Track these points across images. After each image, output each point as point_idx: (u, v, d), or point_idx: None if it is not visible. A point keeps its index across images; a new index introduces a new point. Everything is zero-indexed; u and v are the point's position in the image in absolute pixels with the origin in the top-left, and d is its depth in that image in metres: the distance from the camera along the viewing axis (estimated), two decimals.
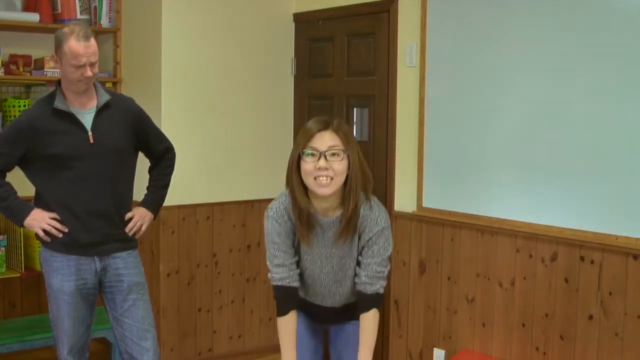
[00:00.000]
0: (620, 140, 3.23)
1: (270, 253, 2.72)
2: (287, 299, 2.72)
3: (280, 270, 2.70)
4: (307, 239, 2.68)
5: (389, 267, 2.75)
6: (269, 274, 2.74)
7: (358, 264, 2.73)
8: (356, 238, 2.71)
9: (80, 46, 3.08)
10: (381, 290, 2.73)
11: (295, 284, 2.72)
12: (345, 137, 2.60)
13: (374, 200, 2.73)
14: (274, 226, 2.69)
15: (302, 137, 2.62)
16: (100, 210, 3.23)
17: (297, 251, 2.75)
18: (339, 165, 2.57)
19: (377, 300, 2.72)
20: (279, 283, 2.71)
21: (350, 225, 2.65)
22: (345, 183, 2.61)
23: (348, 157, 2.59)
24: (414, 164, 4.08)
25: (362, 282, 2.70)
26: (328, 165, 2.55)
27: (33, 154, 3.17)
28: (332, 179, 2.56)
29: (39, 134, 3.14)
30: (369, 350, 2.72)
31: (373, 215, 2.68)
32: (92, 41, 3.13)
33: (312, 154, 2.57)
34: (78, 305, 3.25)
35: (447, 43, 3.89)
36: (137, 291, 3.33)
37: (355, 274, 2.73)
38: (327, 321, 2.93)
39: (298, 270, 2.73)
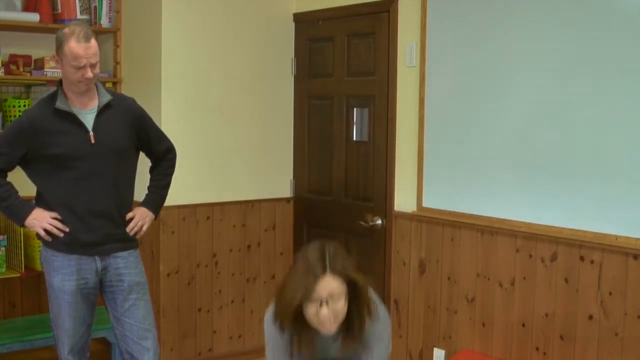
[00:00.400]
0: (621, 140, 3.23)
1: (268, 357, 2.71)
2: None
3: None
4: (304, 350, 2.65)
5: None
6: None
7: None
8: (358, 347, 2.69)
9: (80, 47, 3.08)
10: None
11: None
12: (343, 272, 2.55)
13: (376, 304, 2.68)
14: (273, 332, 2.66)
15: (301, 280, 2.54)
16: (101, 210, 3.23)
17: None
18: (341, 307, 2.55)
19: None
20: None
21: (354, 345, 2.65)
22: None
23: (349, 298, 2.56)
24: (414, 164, 4.08)
25: None
26: (332, 310, 2.52)
27: (34, 154, 3.17)
28: (334, 321, 2.55)
29: (40, 134, 3.15)
30: None
31: (377, 330, 2.66)
32: (93, 42, 3.13)
33: (315, 300, 2.53)
34: (79, 305, 3.25)
35: (447, 43, 3.89)
36: (137, 291, 3.33)
37: None
38: None
39: None
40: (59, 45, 3.13)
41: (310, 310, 2.54)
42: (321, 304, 2.51)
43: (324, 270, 2.53)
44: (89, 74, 3.11)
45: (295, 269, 2.62)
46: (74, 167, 3.17)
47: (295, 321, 2.58)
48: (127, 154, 3.34)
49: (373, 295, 2.70)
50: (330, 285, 2.52)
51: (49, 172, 3.19)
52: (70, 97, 3.21)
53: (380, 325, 2.68)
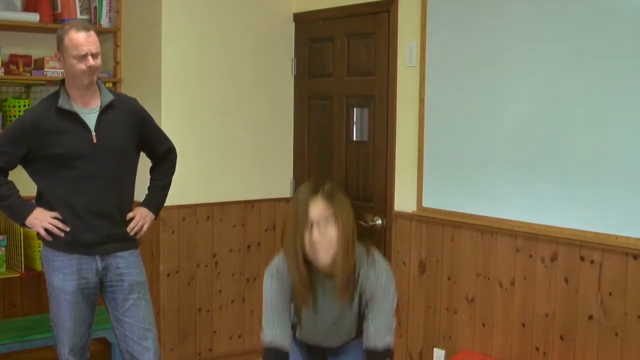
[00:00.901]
0: (621, 140, 3.23)
1: (265, 312, 2.71)
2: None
3: (272, 333, 2.68)
4: (306, 301, 2.69)
5: (395, 321, 2.73)
6: (261, 335, 2.73)
7: (363, 318, 2.71)
8: (357, 294, 2.70)
9: (80, 36, 3.12)
10: (392, 345, 2.68)
11: (286, 348, 2.69)
12: (337, 203, 2.62)
13: (376, 255, 2.72)
14: (273, 284, 2.68)
15: (297, 210, 2.62)
16: (102, 210, 3.23)
17: (297, 309, 2.77)
18: (333, 232, 2.58)
19: (388, 355, 2.68)
20: (270, 345, 2.68)
21: (349, 286, 2.66)
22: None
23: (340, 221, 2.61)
24: (414, 164, 4.08)
25: (371, 339, 2.65)
26: (321, 233, 2.56)
27: (35, 153, 3.18)
28: (327, 247, 2.58)
29: (41, 133, 3.15)
30: None
31: (373, 274, 2.66)
32: (93, 33, 3.18)
33: (307, 225, 2.58)
34: (79, 304, 3.25)
35: (447, 43, 3.89)
36: (138, 291, 3.33)
37: (363, 331, 2.69)
38: (326, 355, 2.96)
39: (291, 332, 2.73)
40: (60, 41, 3.16)
41: (306, 239, 2.58)
42: (312, 227, 2.56)
43: (314, 195, 2.61)
44: (91, 62, 3.12)
45: (291, 204, 2.70)
46: (75, 167, 3.17)
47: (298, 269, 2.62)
48: (129, 154, 3.34)
49: (374, 250, 2.73)
50: (320, 208, 2.59)
51: (50, 172, 3.19)
52: (72, 96, 3.21)
53: (383, 274, 2.68)
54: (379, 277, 2.66)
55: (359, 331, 2.77)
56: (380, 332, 2.65)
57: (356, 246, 2.65)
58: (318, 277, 2.68)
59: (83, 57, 3.11)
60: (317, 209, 2.59)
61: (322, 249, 2.57)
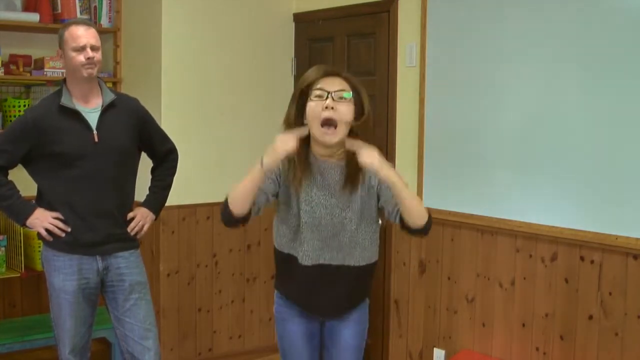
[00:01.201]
0: (621, 140, 3.24)
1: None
2: (228, 219, 2.55)
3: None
4: (299, 181, 2.56)
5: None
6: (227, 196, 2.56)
7: (385, 211, 2.60)
8: (358, 188, 2.61)
9: (80, 29, 3.15)
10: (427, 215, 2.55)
11: (241, 215, 2.53)
12: (354, 84, 2.53)
13: None
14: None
15: (306, 79, 2.52)
16: (104, 210, 3.23)
17: (294, 204, 2.63)
18: (346, 109, 2.47)
19: (429, 218, 2.58)
20: (229, 207, 2.52)
21: (357, 172, 2.56)
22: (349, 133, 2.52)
23: (357, 104, 2.50)
24: (414, 164, 4.08)
25: (410, 218, 2.53)
26: (335, 106, 2.44)
27: (37, 151, 3.17)
28: (335, 127, 2.47)
29: (43, 131, 3.15)
30: (407, 190, 2.50)
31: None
32: (92, 29, 3.20)
33: (319, 95, 2.48)
34: (80, 304, 3.25)
35: (447, 43, 3.89)
36: (139, 290, 3.33)
37: (397, 218, 2.58)
38: (323, 302, 2.78)
39: (251, 209, 2.56)
40: (61, 36, 3.18)
41: (315, 106, 2.46)
42: (326, 98, 2.44)
43: (334, 72, 2.51)
44: (90, 53, 3.12)
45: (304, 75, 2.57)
46: (77, 166, 3.17)
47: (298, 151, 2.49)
48: (130, 154, 3.34)
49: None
50: (340, 84, 2.47)
51: (51, 171, 3.19)
52: (74, 95, 3.21)
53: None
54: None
55: (362, 254, 2.67)
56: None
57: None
58: (317, 163, 2.57)
59: (82, 49, 3.12)
60: (337, 83, 2.48)
61: (332, 121, 2.44)
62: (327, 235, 2.65)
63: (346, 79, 2.54)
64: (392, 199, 2.56)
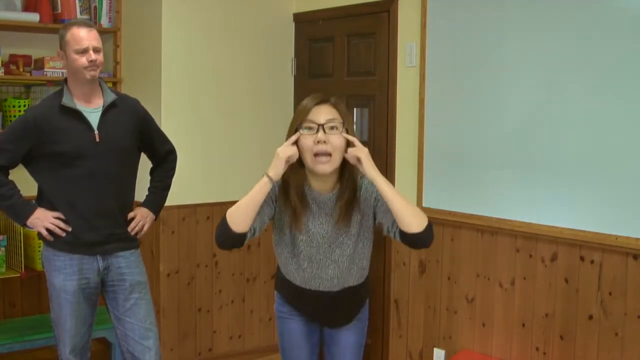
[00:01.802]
0: (621, 140, 3.24)
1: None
2: (225, 238, 2.52)
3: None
4: (300, 221, 2.60)
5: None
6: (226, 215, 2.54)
7: (384, 228, 2.61)
8: (352, 215, 2.63)
9: (82, 31, 3.16)
10: (426, 223, 2.51)
11: (241, 233, 2.50)
12: (343, 112, 2.57)
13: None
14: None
15: (299, 113, 2.57)
16: (105, 209, 3.23)
17: (292, 238, 2.66)
18: (338, 140, 2.51)
19: (429, 226, 2.53)
20: (228, 224, 2.49)
21: (352, 202, 2.59)
22: (342, 164, 2.57)
23: (347, 131, 2.55)
24: (414, 164, 4.08)
25: (407, 227, 2.50)
26: (326, 139, 2.49)
27: (38, 151, 3.17)
28: (330, 155, 2.51)
29: (44, 131, 3.15)
30: (393, 190, 2.51)
31: (367, 180, 2.59)
32: (94, 30, 3.21)
33: (310, 128, 2.52)
34: (80, 304, 3.25)
35: (447, 43, 3.89)
36: (139, 290, 3.33)
37: (395, 234, 2.56)
38: (324, 317, 2.84)
39: (250, 233, 2.56)
40: (62, 37, 3.18)
41: (307, 141, 2.50)
42: (317, 131, 2.49)
43: (323, 101, 2.55)
44: (93, 56, 3.13)
45: (296, 110, 2.62)
46: (78, 165, 3.17)
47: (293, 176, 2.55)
48: (131, 154, 3.34)
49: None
50: (329, 113, 2.52)
51: (53, 170, 3.19)
52: (75, 95, 3.21)
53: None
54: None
55: (361, 273, 2.70)
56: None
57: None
58: (312, 194, 2.61)
59: (84, 51, 3.13)
60: (324, 114, 2.53)
61: (324, 154, 2.49)
62: (325, 263, 2.68)
63: (334, 105, 2.57)
64: (389, 214, 2.55)
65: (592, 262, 3.37)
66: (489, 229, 3.75)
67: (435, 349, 4.07)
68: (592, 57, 3.31)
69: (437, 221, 3.99)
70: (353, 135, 2.58)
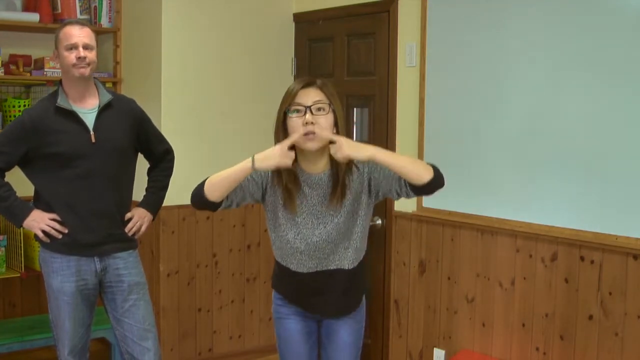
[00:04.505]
0: (621, 140, 3.23)
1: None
2: (198, 200, 2.62)
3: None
4: (294, 202, 2.63)
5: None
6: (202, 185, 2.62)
7: (393, 195, 2.65)
8: (346, 193, 2.66)
9: (74, 28, 3.16)
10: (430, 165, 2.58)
11: (213, 202, 2.59)
12: (330, 94, 2.62)
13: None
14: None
15: (286, 96, 2.62)
16: (102, 210, 3.23)
17: (286, 220, 2.68)
18: (325, 120, 2.57)
19: (437, 168, 2.60)
20: (204, 191, 2.59)
21: (343, 181, 2.63)
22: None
23: (334, 111, 2.61)
24: None
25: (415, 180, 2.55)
26: (314, 120, 2.55)
27: (35, 153, 3.17)
28: (319, 133, 2.55)
29: (40, 132, 3.14)
30: (391, 155, 2.56)
31: (377, 167, 2.65)
32: (87, 28, 3.20)
33: (298, 110, 2.58)
34: (78, 306, 3.25)
35: (447, 43, 3.89)
36: (137, 291, 3.33)
37: (407, 192, 2.61)
38: (322, 304, 2.80)
39: (224, 200, 2.62)
40: (56, 37, 3.19)
41: (294, 123, 2.56)
42: (305, 113, 2.55)
43: (309, 83, 2.62)
44: (82, 53, 3.12)
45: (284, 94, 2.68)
46: (75, 166, 3.17)
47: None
48: (127, 154, 3.34)
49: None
50: (316, 95, 2.58)
51: (49, 171, 3.19)
52: (71, 96, 3.21)
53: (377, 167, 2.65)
54: (373, 167, 2.66)
55: (356, 254, 2.72)
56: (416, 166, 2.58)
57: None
58: (303, 176, 2.65)
59: (73, 47, 3.12)
60: (311, 96, 2.59)
61: (312, 133, 2.53)
62: (321, 244, 2.69)
63: (320, 88, 2.62)
64: (390, 181, 2.61)
65: (592, 262, 3.37)
66: (489, 229, 3.75)
67: (435, 349, 4.07)
68: (592, 57, 3.31)
69: (437, 221, 3.99)
70: (340, 118, 2.63)
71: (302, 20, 4.79)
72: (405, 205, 4.15)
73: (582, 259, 3.40)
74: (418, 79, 4.03)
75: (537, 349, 3.60)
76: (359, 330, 2.90)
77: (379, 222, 4.30)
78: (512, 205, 3.63)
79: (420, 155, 4.03)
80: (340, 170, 2.63)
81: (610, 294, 3.31)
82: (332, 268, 2.73)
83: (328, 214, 2.67)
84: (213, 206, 2.62)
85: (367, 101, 4.37)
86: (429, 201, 4.01)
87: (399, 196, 2.66)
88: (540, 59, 3.49)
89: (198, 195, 2.61)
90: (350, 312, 2.84)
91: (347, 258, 2.74)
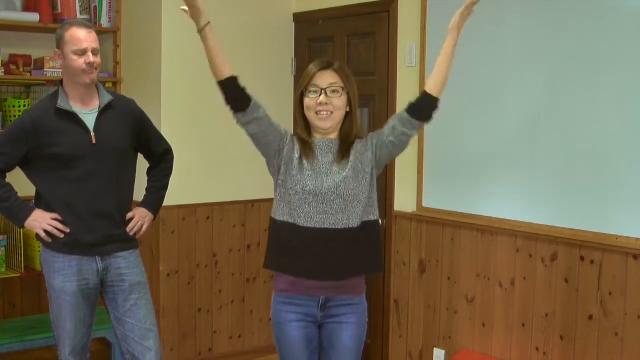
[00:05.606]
0: (621, 140, 3.24)
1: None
2: (222, 91, 2.95)
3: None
4: (310, 149, 2.83)
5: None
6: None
7: (399, 129, 2.83)
8: (351, 154, 2.82)
9: (81, 32, 3.14)
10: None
11: (225, 78, 2.96)
12: (346, 77, 2.81)
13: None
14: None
15: (304, 77, 2.82)
16: (103, 210, 3.23)
17: (300, 173, 2.82)
18: (339, 101, 2.78)
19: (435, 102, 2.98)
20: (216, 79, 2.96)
21: (351, 142, 2.83)
22: (344, 122, 2.84)
23: (348, 94, 2.81)
24: (414, 164, 4.08)
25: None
26: (328, 101, 2.77)
27: (35, 153, 3.17)
28: (331, 113, 2.77)
29: (41, 133, 3.14)
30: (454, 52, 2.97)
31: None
32: (94, 32, 3.19)
33: (314, 91, 2.78)
34: (80, 305, 3.25)
35: None
36: (139, 291, 3.33)
37: (405, 116, 2.85)
38: (325, 265, 2.78)
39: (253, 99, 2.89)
40: (60, 37, 3.16)
41: (310, 102, 2.78)
42: (320, 94, 2.77)
43: (326, 66, 2.82)
44: (91, 58, 3.12)
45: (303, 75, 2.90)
46: (75, 167, 3.17)
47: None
48: (128, 155, 3.34)
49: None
50: (332, 78, 2.80)
51: (50, 172, 3.19)
52: (71, 97, 3.21)
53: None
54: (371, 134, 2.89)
55: (366, 211, 2.84)
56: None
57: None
58: (315, 140, 2.84)
59: (83, 53, 3.12)
60: (327, 78, 2.79)
61: (326, 112, 2.76)
62: (330, 197, 2.78)
63: (337, 71, 2.82)
64: (392, 130, 2.82)
65: (592, 262, 3.37)
66: (489, 229, 3.75)
67: (435, 349, 4.07)
68: (592, 57, 3.31)
69: (437, 221, 3.99)
70: (354, 99, 2.84)
71: (302, 20, 4.79)
72: (405, 205, 4.15)
73: (582, 259, 3.40)
74: (418, 79, 4.03)
75: (537, 349, 3.60)
76: (360, 334, 2.89)
77: (379, 222, 4.30)
78: (512, 205, 3.63)
79: (420, 155, 4.03)
80: (349, 139, 2.84)
81: (610, 294, 3.31)
82: (339, 227, 2.78)
83: (337, 170, 2.81)
84: (232, 85, 2.93)
85: (367, 101, 4.37)
86: (429, 201, 4.01)
87: (406, 137, 2.83)
88: (539, 58, 3.49)
89: (220, 87, 2.94)
90: (357, 273, 2.85)
91: (356, 216, 2.80)
